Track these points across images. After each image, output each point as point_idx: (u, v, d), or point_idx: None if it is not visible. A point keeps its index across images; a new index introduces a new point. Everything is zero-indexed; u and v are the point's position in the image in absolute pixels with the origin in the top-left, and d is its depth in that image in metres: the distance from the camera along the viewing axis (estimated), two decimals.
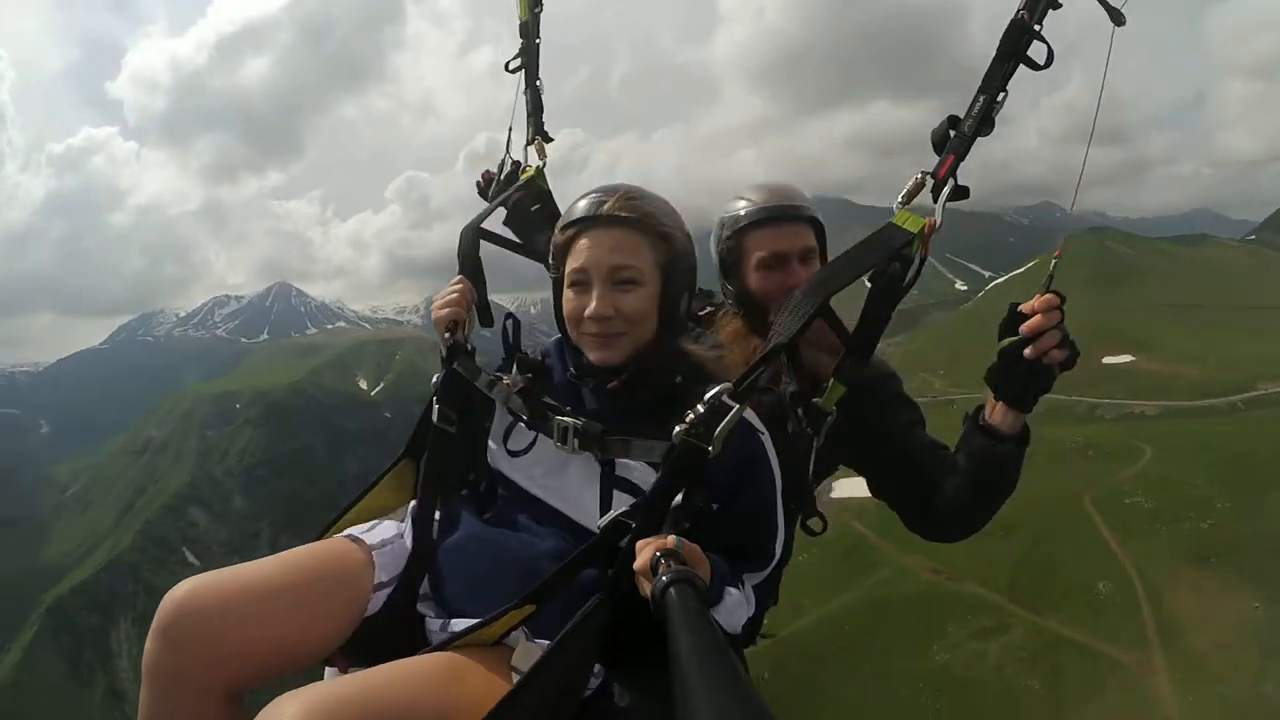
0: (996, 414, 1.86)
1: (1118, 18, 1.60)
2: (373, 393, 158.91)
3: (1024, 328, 1.70)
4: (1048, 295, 1.70)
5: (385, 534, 1.77)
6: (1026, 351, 1.71)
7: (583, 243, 1.68)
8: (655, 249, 1.67)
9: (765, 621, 2.10)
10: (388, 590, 1.66)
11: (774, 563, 1.73)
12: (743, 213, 2.23)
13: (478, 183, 2.70)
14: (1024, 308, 1.73)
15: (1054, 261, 1.74)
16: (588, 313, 1.65)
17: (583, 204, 1.71)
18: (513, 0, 2.61)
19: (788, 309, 1.64)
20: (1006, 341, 1.75)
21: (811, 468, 1.88)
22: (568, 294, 1.71)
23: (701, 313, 2.29)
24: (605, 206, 1.67)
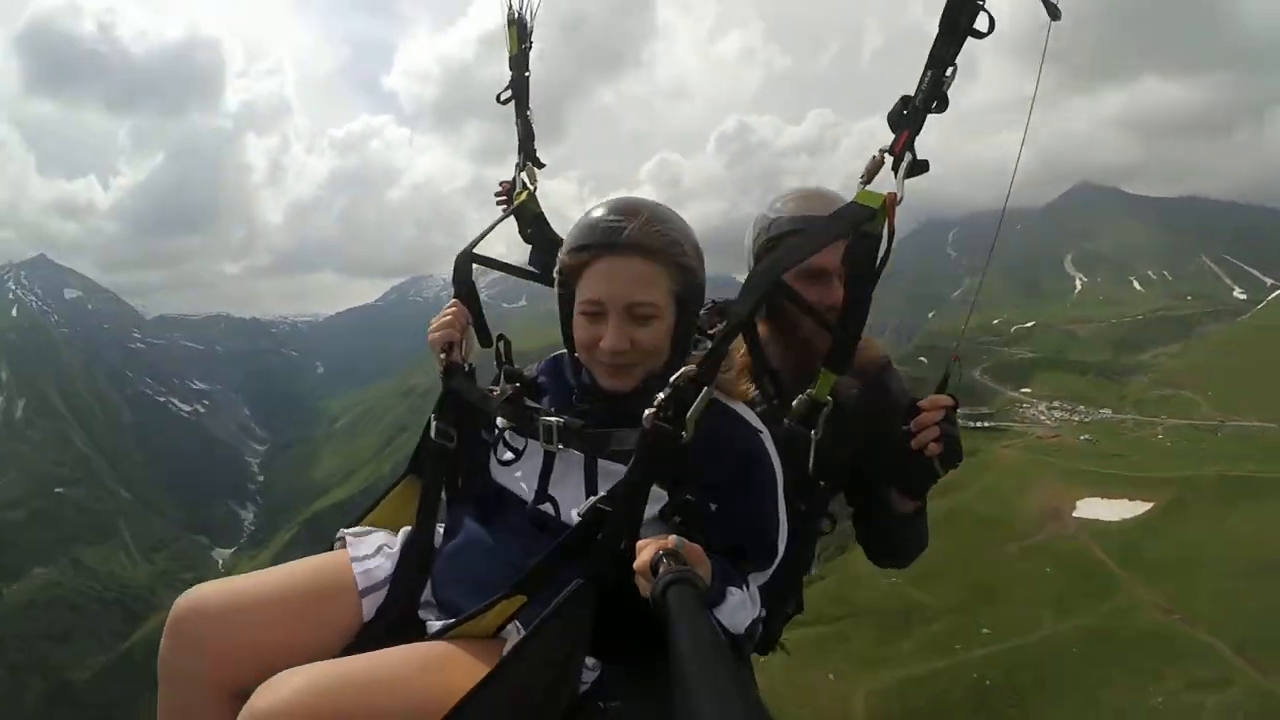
0: (892, 495, 2.09)
1: (1054, 12, 1.61)
2: None
3: (913, 423, 1.89)
4: (937, 396, 1.90)
5: (369, 546, 1.83)
6: (911, 441, 1.89)
7: (599, 270, 1.63)
8: (672, 280, 1.64)
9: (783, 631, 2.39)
10: (378, 598, 1.71)
11: (777, 562, 1.72)
12: (786, 218, 2.21)
13: (496, 195, 2.83)
14: (921, 403, 1.91)
15: (951, 365, 1.94)
16: (603, 345, 1.63)
17: (601, 226, 1.64)
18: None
19: (743, 288, 1.63)
20: (900, 430, 1.92)
21: (812, 461, 1.89)
22: (580, 320, 1.68)
23: (711, 330, 2.13)
24: (626, 234, 1.60)
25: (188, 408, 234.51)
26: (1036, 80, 1.71)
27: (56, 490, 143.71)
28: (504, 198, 2.81)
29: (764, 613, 1.73)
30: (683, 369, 1.47)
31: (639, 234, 1.60)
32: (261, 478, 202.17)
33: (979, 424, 74.00)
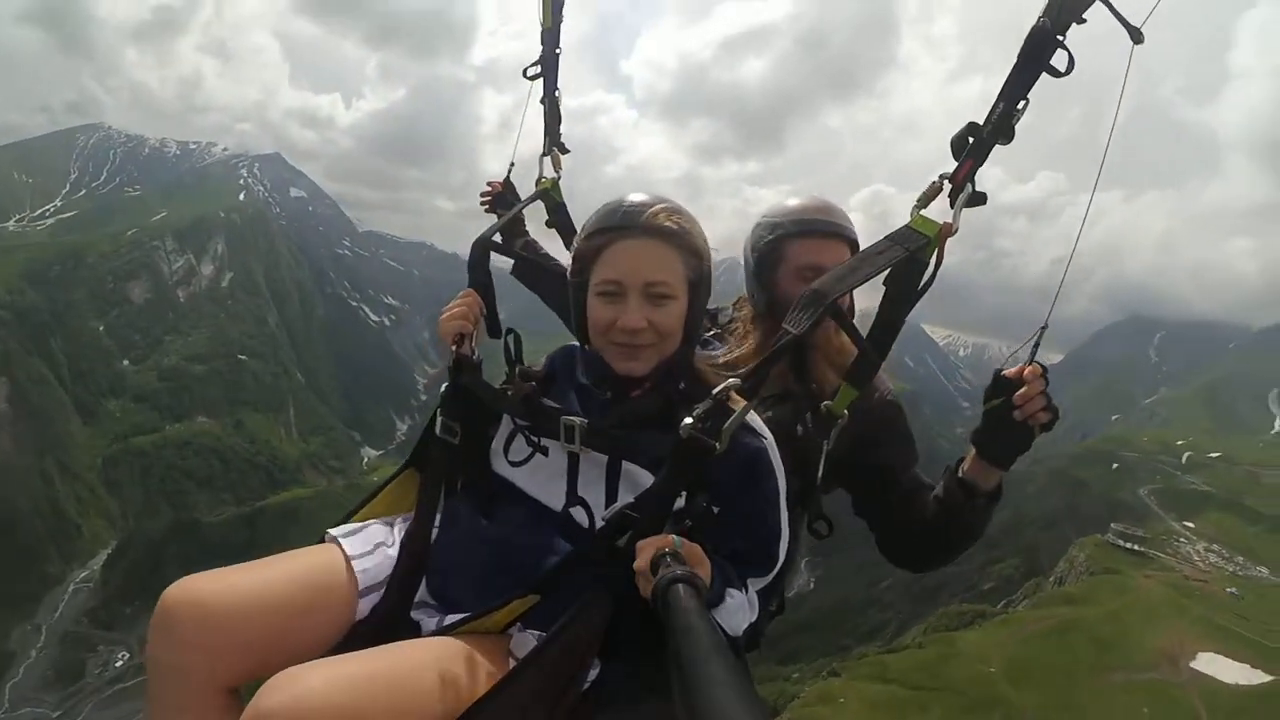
0: (975, 470, 1.95)
1: (1136, 36, 1.56)
2: None
3: (1017, 396, 1.79)
4: (1033, 365, 1.81)
5: (367, 542, 1.75)
6: (1016, 414, 1.79)
7: (618, 250, 1.65)
8: (688, 264, 1.66)
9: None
10: (374, 597, 1.65)
11: (778, 568, 1.73)
12: (788, 219, 2.25)
13: (482, 196, 2.85)
14: (1010, 374, 1.82)
15: (1039, 334, 1.83)
16: (620, 323, 1.63)
17: (620, 210, 1.68)
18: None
19: (800, 305, 1.63)
20: (993, 403, 1.84)
21: (821, 472, 1.88)
22: (595, 302, 1.68)
23: (709, 333, 2.30)
24: (645, 216, 1.64)
25: (375, 318, 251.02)
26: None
27: (240, 356, 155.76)
28: (489, 199, 2.84)
29: (758, 616, 1.71)
30: (727, 381, 1.47)
31: (657, 218, 1.63)
32: (425, 397, 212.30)
33: (1129, 545, 69.41)
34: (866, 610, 79.41)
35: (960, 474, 1.97)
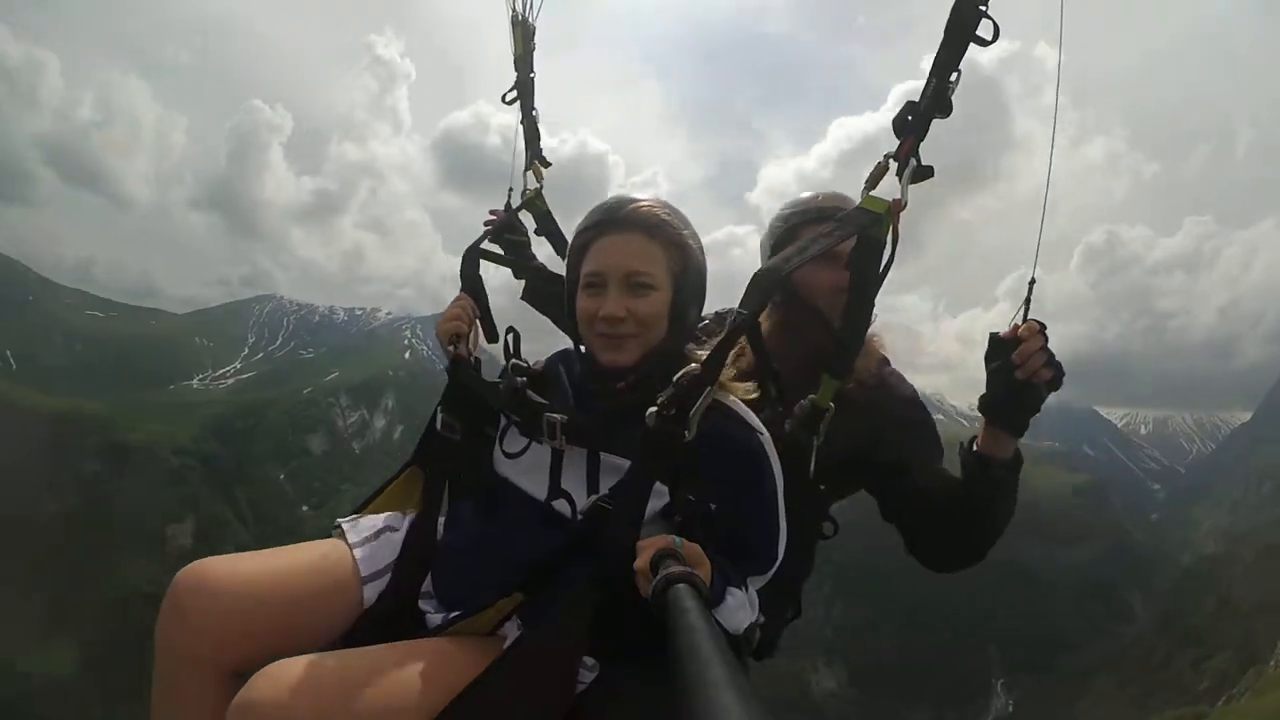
0: (988, 441, 1.92)
1: None
2: None
3: (1016, 354, 1.77)
4: (1029, 322, 1.79)
5: (367, 529, 1.79)
6: (1018, 373, 1.77)
7: (600, 245, 1.71)
8: (670, 257, 1.69)
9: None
10: (379, 584, 1.69)
11: (776, 565, 1.72)
12: (800, 209, 2.32)
13: (485, 224, 2.80)
14: (1005, 334, 1.81)
15: (1030, 287, 1.80)
16: (601, 313, 1.66)
17: (604, 206, 1.74)
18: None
19: (749, 285, 1.64)
20: (994, 365, 1.82)
21: (813, 466, 1.88)
22: (582, 295, 1.72)
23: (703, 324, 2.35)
24: (626, 210, 1.70)
25: None
26: None
27: None
28: (492, 220, 2.80)
29: (762, 618, 1.69)
30: (686, 368, 1.49)
31: (638, 211, 1.69)
32: None
33: None
34: None
35: (975, 447, 1.94)
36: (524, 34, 2.75)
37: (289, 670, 1.28)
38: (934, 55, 1.62)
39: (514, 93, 2.75)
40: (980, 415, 1.90)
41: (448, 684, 1.35)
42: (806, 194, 2.36)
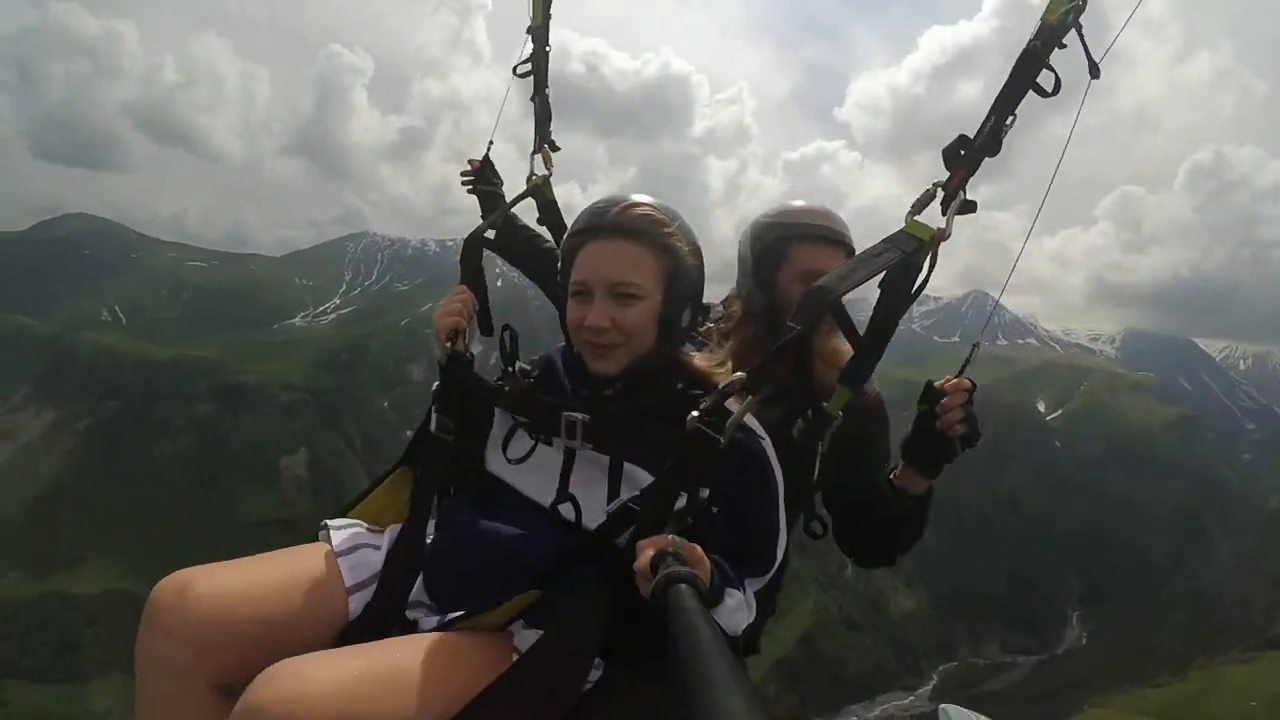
0: (904, 477, 2.10)
1: (1094, 71, 1.66)
2: (1049, 417, 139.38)
3: (939, 405, 1.91)
4: (959, 379, 1.93)
5: (353, 539, 1.74)
6: (937, 423, 1.92)
7: (587, 252, 1.67)
8: (658, 261, 1.65)
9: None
10: (365, 595, 1.64)
11: (776, 568, 1.73)
12: (793, 222, 2.26)
13: (463, 175, 2.77)
14: (939, 384, 1.94)
15: (974, 350, 1.96)
16: (585, 323, 1.65)
17: (589, 211, 1.71)
18: None
19: (803, 302, 1.66)
20: (920, 409, 1.96)
21: (816, 473, 1.91)
22: (570, 303, 1.71)
23: (701, 329, 2.29)
24: (608, 216, 1.66)
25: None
26: None
27: None
28: (470, 178, 2.74)
29: (756, 618, 1.71)
30: (734, 376, 1.52)
31: (622, 216, 1.64)
32: None
33: None
34: (1142, 661, 69.16)
35: (892, 476, 2.13)
36: (544, 1, 2.49)
37: (296, 670, 1.24)
38: (997, 95, 1.61)
39: (527, 65, 2.51)
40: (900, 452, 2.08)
41: (462, 680, 1.33)
42: (795, 204, 2.30)
